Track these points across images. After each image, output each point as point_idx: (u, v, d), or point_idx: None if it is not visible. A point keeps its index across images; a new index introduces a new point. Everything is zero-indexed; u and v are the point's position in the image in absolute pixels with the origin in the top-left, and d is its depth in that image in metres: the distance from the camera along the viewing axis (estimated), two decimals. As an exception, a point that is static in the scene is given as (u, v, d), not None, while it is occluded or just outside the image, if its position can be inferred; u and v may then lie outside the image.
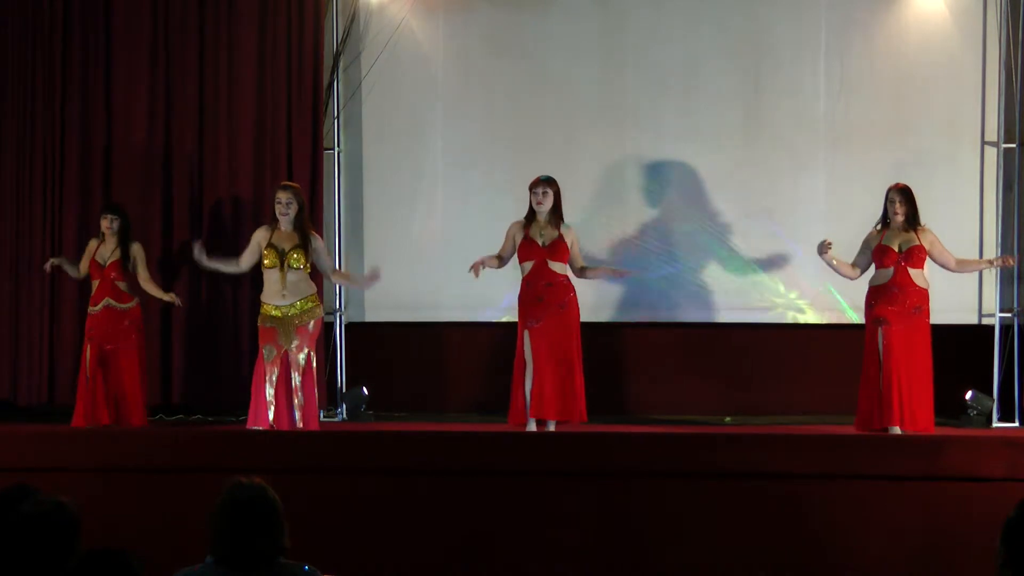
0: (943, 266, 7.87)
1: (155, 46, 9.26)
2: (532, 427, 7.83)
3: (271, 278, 8.00)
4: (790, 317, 9.01)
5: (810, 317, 8.98)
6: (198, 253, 8.29)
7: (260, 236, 8.08)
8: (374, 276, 8.41)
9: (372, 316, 9.39)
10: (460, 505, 6.61)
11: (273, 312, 7.98)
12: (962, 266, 7.98)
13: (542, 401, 7.80)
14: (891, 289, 7.68)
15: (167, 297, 8.60)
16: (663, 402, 8.91)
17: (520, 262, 7.99)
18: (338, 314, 9.29)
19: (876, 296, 7.74)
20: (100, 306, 8.44)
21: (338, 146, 9.35)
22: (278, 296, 7.98)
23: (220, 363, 9.16)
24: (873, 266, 7.82)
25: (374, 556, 6.39)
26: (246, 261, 8.16)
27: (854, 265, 7.89)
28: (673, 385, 9.01)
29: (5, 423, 8.75)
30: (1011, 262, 8.07)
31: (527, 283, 7.97)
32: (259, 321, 8.07)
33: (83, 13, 9.30)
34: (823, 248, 7.82)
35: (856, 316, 8.65)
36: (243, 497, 3.56)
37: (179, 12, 9.25)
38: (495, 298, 9.03)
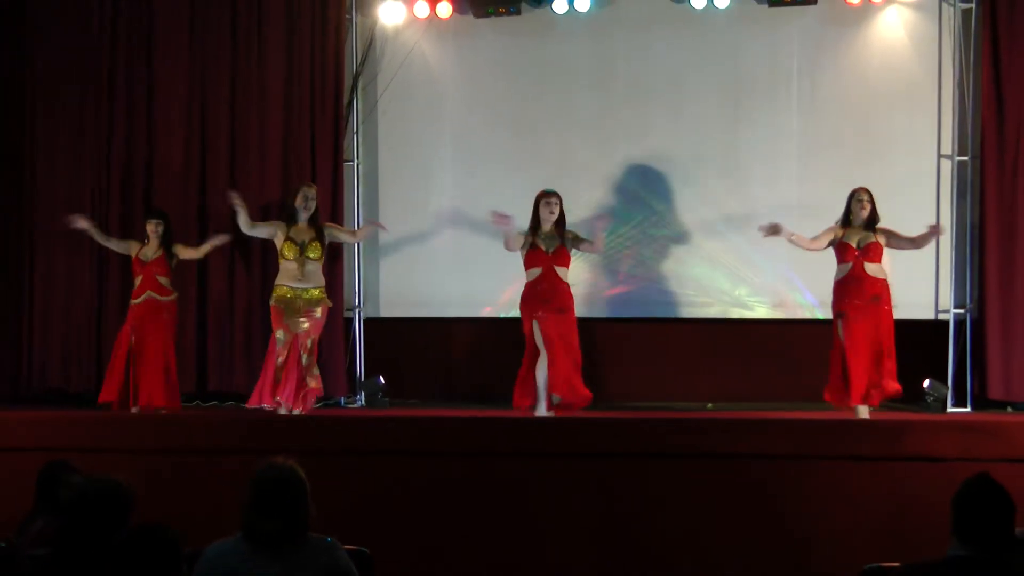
0: (903, 247, 7.84)
1: (192, 67, 9.32)
2: (542, 411, 7.79)
3: (289, 268, 8.02)
4: (765, 313, 9.02)
5: (782, 313, 8.99)
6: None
7: (279, 227, 8.10)
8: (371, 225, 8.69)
9: (387, 312, 9.41)
10: (469, 483, 6.63)
11: (287, 293, 8.01)
12: (920, 240, 7.81)
13: (559, 382, 7.79)
14: (850, 282, 7.69)
15: (219, 240, 8.68)
16: (651, 390, 8.92)
17: (527, 268, 7.92)
18: (357, 310, 9.31)
19: (839, 290, 7.76)
20: (142, 298, 8.44)
21: (357, 158, 9.36)
22: (294, 279, 8.02)
23: (252, 353, 9.18)
24: (836, 260, 7.79)
25: (390, 528, 6.41)
26: (253, 226, 8.18)
27: (815, 240, 7.78)
28: (661, 374, 9.02)
29: (59, 408, 8.79)
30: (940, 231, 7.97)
31: (532, 286, 7.90)
32: (272, 301, 8.09)
33: (128, 39, 9.36)
34: (774, 230, 7.75)
35: (822, 314, 8.70)
36: (272, 476, 3.55)
37: (214, 36, 9.30)
38: (498, 295, 9.06)
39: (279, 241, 8.09)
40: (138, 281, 8.49)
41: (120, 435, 7.08)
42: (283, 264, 8.08)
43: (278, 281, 8.11)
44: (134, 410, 8.27)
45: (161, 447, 6.93)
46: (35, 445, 6.66)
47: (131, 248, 8.59)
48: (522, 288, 7.99)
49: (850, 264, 7.69)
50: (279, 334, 8.03)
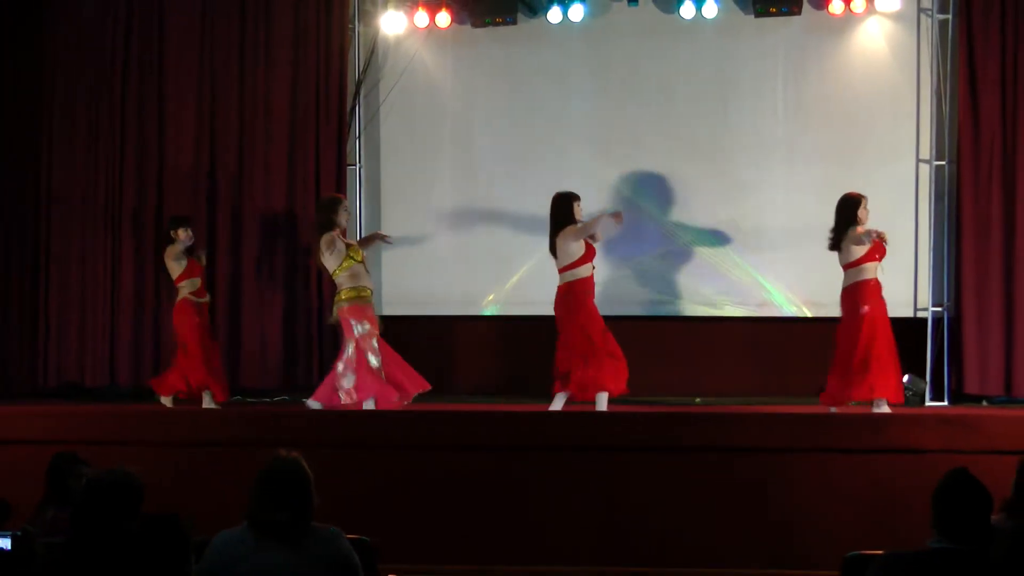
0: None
1: (201, 75, 9.30)
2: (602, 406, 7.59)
3: (360, 270, 7.74)
4: (751, 311, 9.00)
5: (769, 311, 8.98)
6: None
7: (339, 238, 7.75)
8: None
9: (389, 311, 9.34)
10: (468, 475, 6.62)
11: (366, 294, 7.74)
12: None
13: None
14: (875, 278, 7.42)
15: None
16: (642, 386, 8.86)
17: (581, 264, 7.63)
18: (361, 308, 9.28)
19: (869, 289, 7.39)
20: (206, 299, 8.50)
21: (359, 163, 9.34)
22: (367, 279, 7.80)
23: (265, 350, 9.17)
24: (869, 259, 7.38)
25: (391, 519, 6.39)
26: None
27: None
28: (651, 371, 8.98)
29: (74, 403, 8.77)
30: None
31: (590, 283, 7.66)
32: (364, 305, 7.67)
33: (140, 51, 9.36)
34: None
35: (808, 310, 8.71)
36: (277, 469, 3.53)
37: (223, 46, 9.29)
38: (495, 294, 9.06)
39: (341, 248, 7.68)
40: (200, 282, 8.43)
41: (129, 429, 7.06)
42: (356, 267, 7.69)
43: (358, 284, 7.68)
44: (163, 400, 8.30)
45: (170, 440, 6.91)
46: (49, 438, 6.63)
47: (178, 254, 8.39)
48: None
49: (877, 264, 7.43)
50: (374, 341, 7.67)
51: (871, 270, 7.41)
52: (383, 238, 8.47)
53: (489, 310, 9.23)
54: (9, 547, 3.81)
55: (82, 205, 9.33)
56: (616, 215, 7.87)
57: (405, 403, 7.66)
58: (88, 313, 9.31)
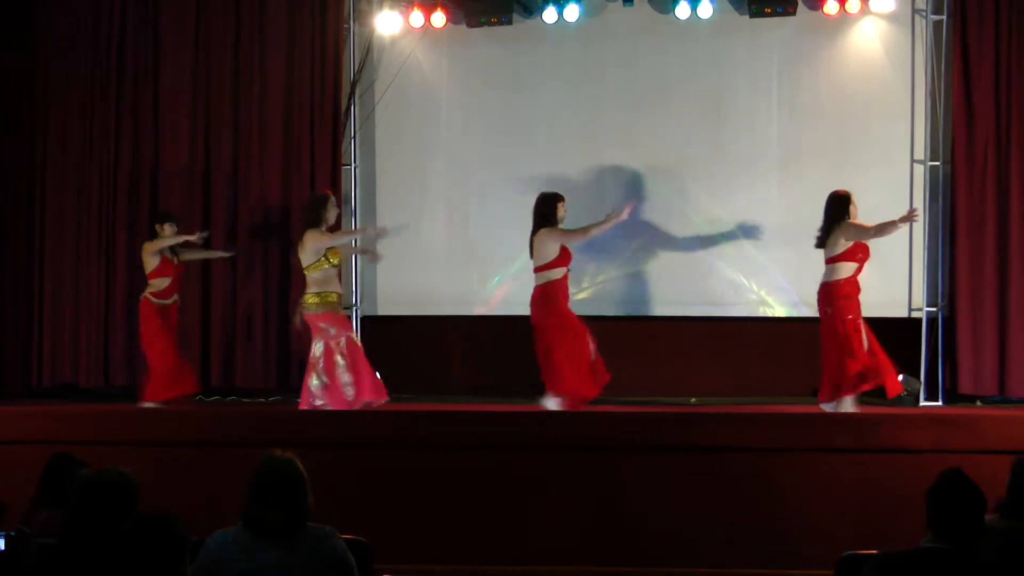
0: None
1: (196, 75, 9.30)
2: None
3: (332, 274, 7.76)
4: (746, 311, 9.01)
5: (764, 311, 8.99)
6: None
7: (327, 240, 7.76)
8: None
9: (383, 310, 9.39)
10: (462, 474, 6.63)
11: (332, 299, 7.73)
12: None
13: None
14: (849, 277, 7.41)
15: (220, 254, 8.86)
16: (636, 386, 8.89)
17: (557, 266, 7.69)
18: (355, 308, 9.28)
19: (854, 288, 7.41)
20: (172, 299, 8.44)
21: (354, 162, 9.34)
22: (338, 284, 7.83)
23: (253, 350, 9.16)
24: (848, 258, 7.41)
25: (386, 518, 6.39)
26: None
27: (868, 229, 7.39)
28: (645, 371, 9.01)
29: (69, 403, 8.76)
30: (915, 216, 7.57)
31: (563, 283, 7.71)
32: (330, 310, 7.68)
33: (135, 50, 9.35)
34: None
35: (808, 309, 8.70)
36: (272, 469, 3.52)
37: (218, 48, 9.28)
38: (488, 295, 9.06)
39: (320, 249, 7.66)
40: (168, 282, 8.39)
41: (124, 429, 7.06)
42: (329, 271, 7.70)
43: (329, 289, 7.69)
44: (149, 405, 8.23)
45: (165, 440, 6.91)
46: (43, 438, 6.63)
47: (153, 248, 8.38)
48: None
49: (855, 264, 7.42)
50: (343, 340, 7.67)
51: (846, 269, 7.42)
52: (371, 256, 8.62)
53: (484, 307, 9.22)
54: (3, 547, 3.81)
55: (76, 205, 9.32)
56: (628, 206, 7.88)
57: (358, 406, 7.63)
58: (82, 313, 9.29)
